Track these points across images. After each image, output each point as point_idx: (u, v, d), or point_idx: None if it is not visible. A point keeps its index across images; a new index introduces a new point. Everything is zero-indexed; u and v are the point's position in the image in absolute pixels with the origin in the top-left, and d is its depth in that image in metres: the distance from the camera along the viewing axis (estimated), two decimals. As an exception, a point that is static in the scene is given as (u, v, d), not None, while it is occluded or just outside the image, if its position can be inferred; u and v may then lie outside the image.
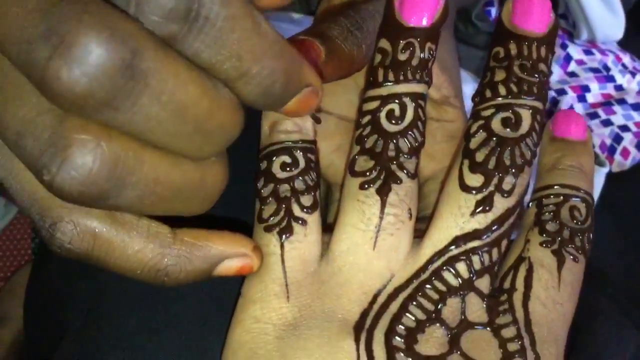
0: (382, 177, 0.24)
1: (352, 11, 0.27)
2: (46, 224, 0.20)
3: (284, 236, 0.24)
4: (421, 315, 0.23)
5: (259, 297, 0.24)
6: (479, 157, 0.24)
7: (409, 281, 0.24)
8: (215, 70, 0.18)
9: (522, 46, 0.25)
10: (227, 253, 0.23)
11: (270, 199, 0.25)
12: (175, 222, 0.22)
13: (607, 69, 0.56)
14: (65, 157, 0.17)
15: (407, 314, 0.23)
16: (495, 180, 0.24)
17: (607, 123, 0.53)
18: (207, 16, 0.17)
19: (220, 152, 0.21)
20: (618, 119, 0.53)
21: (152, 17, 0.16)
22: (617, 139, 0.52)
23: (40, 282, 0.36)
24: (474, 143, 0.24)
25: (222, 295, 0.30)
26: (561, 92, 0.55)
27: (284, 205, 0.25)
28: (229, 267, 0.23)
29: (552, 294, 0.24)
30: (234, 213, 0.29)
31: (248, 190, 0.27)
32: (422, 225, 0.26)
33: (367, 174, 0.24)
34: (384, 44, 0.25)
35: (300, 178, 0.25)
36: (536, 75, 0.24)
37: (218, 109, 0.19)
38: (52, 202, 0.20)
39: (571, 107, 0.55)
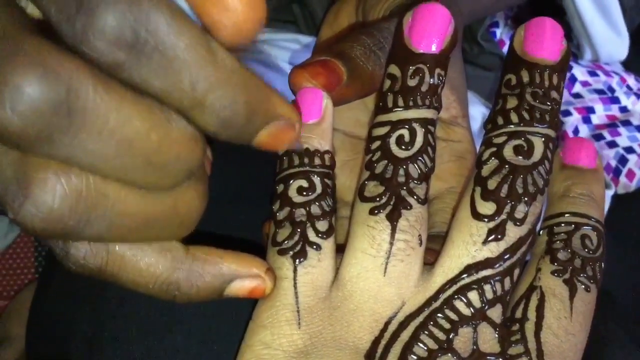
0: (392, 202, 0.24)
1: (374, 30, 0.27)
2: (60, 241, 0.20)
3: (297, 260, 0.24)
4: (433, 345, 0.23)
5: (270, 323, 0.24)
6: (491, 184, 0.24)
7: (420, 309, 0.23)
8: (167, 100, 0.18)
9: (534, 74, 0.25)
10: (239, 272, 0.23)
11: (285, 222, 0.25)
12: (188, 241, 0.22)
13: (612, 90, 0.57)
14: (26, 196, 0.17)
15: (418, 343, 0.23)
16: (507, 209, 0.23)
17: (612, 145, 0.53)
18: (156, 45, 0.16)
19: (186, 180, 0.20)
20: (623, 140, 0.53)
21: (97, 44, 0.16)
22: (622, 160, 0.52)
23: (43, 306, 0.36)
24: (485, 170, 0.24)
25: (227, 323, 0.30)
26: (566, 113, 0.55)
27: (299, 230, 0.25)
28: (240, 287, 0.23)
29: (565, 324, 0.24)
30: (249, 234, 0.29)
31: (263, 211, 0.27)
32: (429, 244, 0.26)
33: (377, 199, 0.24)
34: (394, 69, 0.25)
35: (317, 203, 0.25)
36: (548, 103, 0.24)
37: (170, 141, 0.18)
38: None
39: (576, 129, 0.55)
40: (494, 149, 0.24)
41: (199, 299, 0.22)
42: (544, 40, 0.25)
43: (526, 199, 0.23)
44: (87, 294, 0.33)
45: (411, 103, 0.25)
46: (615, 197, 0.52)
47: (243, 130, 0.19)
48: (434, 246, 0.26)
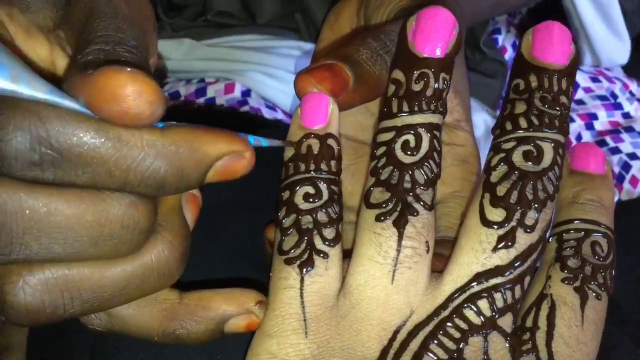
0: (398, 209, 0.24)
1: (381, 32, 0.27)
2: None
3: (304, 270, 0.24)
4: (443, 355, 0.22)
5: (276, 332, 0.23)
6: (500, 191, 0.23)
7: (429, 318, 0.23)
8: (95, 188, 0.19)
9: (542, 78, 0.24)
10: (230, 312, 0.24)
11: (291, 230, 0.24)
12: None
13: (615, 96, 0.56)
14: (2, 303, 0.19)
15: (428, 353, 0.22)
16: (517, 215, 0.23)
17: (615, 151, 0.53)
18: (60, 155, 0.18)
19: (146, 239, 0.21)
20: (626, 146, 0.53)
21: (10, 171, 0.18)
22: (626, 167, 0.52)
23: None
24: (494, 176, 0.24)
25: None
26: (569, 119, 0.55)
27: (306, 238, 0.24)
28: (236, 325, 0.24)
29: (576, 332, 0.23)
30: (247, 243, 0.29)
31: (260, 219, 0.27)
32: (435, 248, 0.25)
33: (383, 205, 0.24)
34: (398, 74, 0.25)
35: (324, 210, 0.25)
36: (557, 108, 0.24)
37: (107, 215, 0.19)
38: None
39: (579, 135, 0.54)
40: (503, 154, 0.24)
41: (201, 341, 0.24)
42: (552, 45, 0.24)
43: (536, 205, 0.23)
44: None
45: (416, 108, 0.24)
46: (620, 204, 0.51)
47: (183, 184, 0.20)
48: (440, 251, 0.25)
